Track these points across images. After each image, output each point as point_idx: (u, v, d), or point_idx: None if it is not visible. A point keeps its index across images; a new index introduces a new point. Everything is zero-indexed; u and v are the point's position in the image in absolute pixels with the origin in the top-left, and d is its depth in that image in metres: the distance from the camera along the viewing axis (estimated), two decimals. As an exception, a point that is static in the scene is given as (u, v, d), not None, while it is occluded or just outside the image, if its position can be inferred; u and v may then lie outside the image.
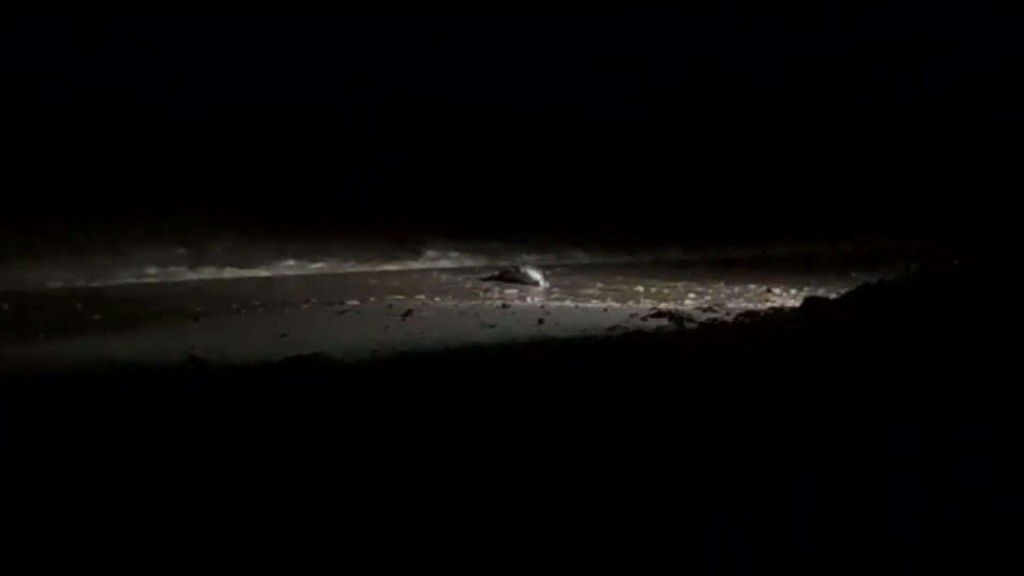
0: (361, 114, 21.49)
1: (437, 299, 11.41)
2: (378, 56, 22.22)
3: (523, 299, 11.58)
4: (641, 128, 21.24)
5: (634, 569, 3.36)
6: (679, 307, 10.50)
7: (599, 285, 12.91)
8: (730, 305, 10.74)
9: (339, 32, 22.12)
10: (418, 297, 11.48)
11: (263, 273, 13.25)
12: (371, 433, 5.13)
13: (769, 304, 10.78)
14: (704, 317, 9.66)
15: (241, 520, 3.85)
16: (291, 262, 14.12)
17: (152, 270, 13.11)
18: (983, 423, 4.63)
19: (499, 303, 11.04)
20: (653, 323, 9.26)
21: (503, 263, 14.40)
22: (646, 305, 10.87)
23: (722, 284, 13.04)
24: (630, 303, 11.28)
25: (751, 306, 10.71)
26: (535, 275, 12.97)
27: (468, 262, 14.99)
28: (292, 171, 20.33)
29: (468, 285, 12.73)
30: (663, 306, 10.52)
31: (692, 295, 12.04)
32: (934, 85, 21.13)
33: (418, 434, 5.06)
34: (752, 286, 12.83)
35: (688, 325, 9.11)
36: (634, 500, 3.94)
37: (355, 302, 10.98)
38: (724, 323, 9.18)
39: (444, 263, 14.93)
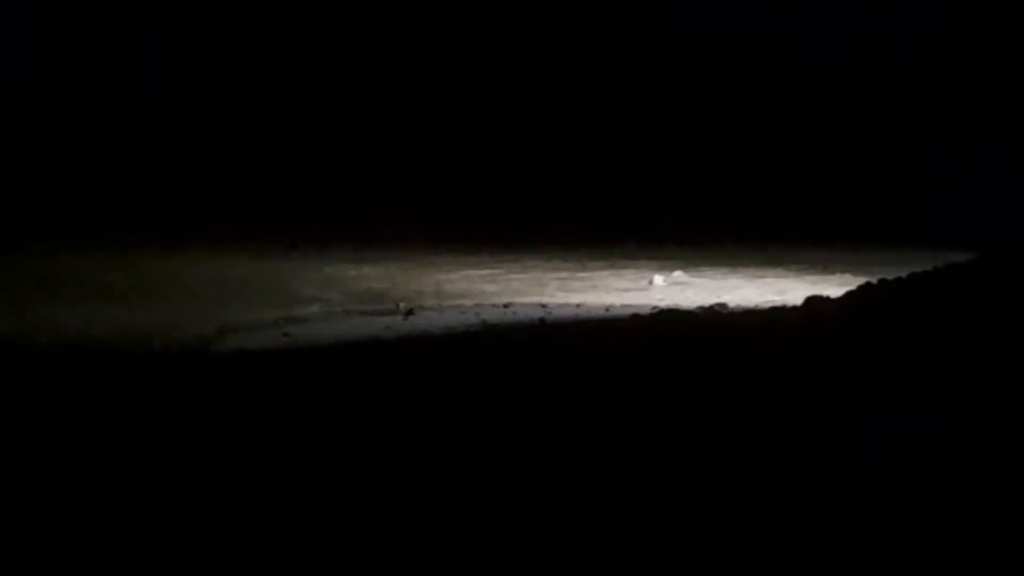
0: (362, 114, 21.51)
1: (438, 299, 11.41)
2: (378, 56, 22.24)
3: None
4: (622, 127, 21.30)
5: (633, 569, 3.37)
6: (680, 305, 10.49)
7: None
8: (731, 304, 10.73)
9: (339, 32, 22.14)
10: (421, 296, 11.48)
11: (269, 272, 13.23)
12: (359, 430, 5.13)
13: (770, 303, 10.76)
14: (705, 315, 9.65)
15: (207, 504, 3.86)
16: (298, 262, 14.11)
17: (160, 268, 13.12)
18: (983, 422, 4.64)
19: (502, 303, 11.03)
20: (654, 323, 9.25)
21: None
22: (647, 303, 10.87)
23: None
24: (631, 301, 11.26)
25: (751, 305, 10.70)
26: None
27: (472, 258, 14.95)
28: (293, 171, 20.35)
29: (471, 285, 12.69)
30: (664, 304, 10.51)
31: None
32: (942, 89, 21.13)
33: (412, 434, 5.05)
34: (752, 283, 12.82)
35: (689, 324, 9.11)
36: (633, 498, 3.95)
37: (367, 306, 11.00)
38: (725, 321, 9.18)
39: (447, 259, 14.91)
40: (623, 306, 10.80)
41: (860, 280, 9.28)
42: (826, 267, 14.02)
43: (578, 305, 11.00)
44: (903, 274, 8.30)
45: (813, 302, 8.82)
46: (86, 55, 20.99)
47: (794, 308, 9.40)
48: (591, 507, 3.87)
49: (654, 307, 10.33)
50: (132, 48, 21.29)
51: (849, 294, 8.47)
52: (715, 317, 9.58)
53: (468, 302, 11.16)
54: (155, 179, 19.46)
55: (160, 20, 21.50)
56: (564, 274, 13.49)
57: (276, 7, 22.10)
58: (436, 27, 22.28)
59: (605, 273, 13.34)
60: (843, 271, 13.29)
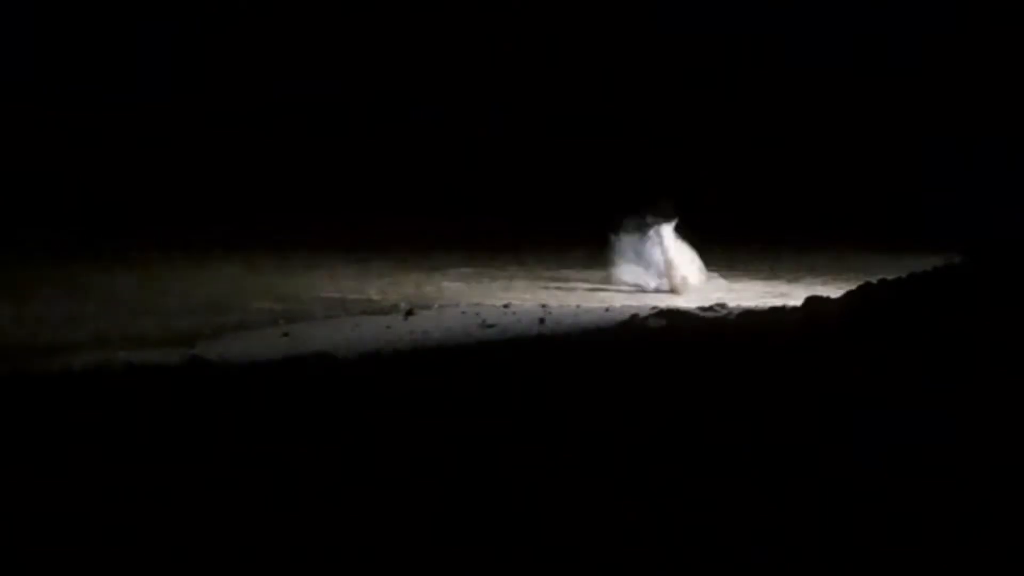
0: (362, 114, 21.52)
1: (438, 299, 11.42)
2: (378, 56, 22.25)
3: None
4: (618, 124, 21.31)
5: (633, 568, 3.37)
6: (679, 306, 10.49)
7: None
8: (731, 304, 10.72)
9: (339, 32, 22.15)
10: (421, 296, 11.49)
11: (268, 272, 13.24)
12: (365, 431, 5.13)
13: (769, 304, 10.76)
14: (705, 316, 9.65)
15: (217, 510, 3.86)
16: (299, 263, 14.12)
17: (160, 268, 13.12)
18: (983, 422, 4.64)
19: (501, 303, 11.03)
20: (654, 323, 9.25)
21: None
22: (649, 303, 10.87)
23: (723, 282, 13.01)
24: (632, 301, 11.27)
25: (751, 305, 10.70)
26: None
27: (471, 258, 14.96)
28: (293, 170, 20.36)
29: (471, 285, 12.71)
30: (664, 306, 10.51)
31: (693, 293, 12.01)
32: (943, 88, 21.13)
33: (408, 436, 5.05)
34: (752, 284, 12.82)
35: (689, 324, 9.11)
36: (633, 498, 3.95)
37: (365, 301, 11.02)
38: (725, 322, 9.18)
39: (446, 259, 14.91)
40: (623, 306, 10.80)
41: (859, 280, 9.28)
42: (825, 267, 14.03)
43: (578, 305, 11.00)
44: (902, 274, 8.30)
45: (813, 302, 8.82)
46: (86, 55, 21.00)
47: (794, 308, 9.40)
48: (591, 507, 3.86)
49: (654, 307, 10.33)
50: (132, 48, 21.30)
51: (849, 294, 8.47)
52: (714, 317, 9.58)
53: (468, 302, 11.16)
54: (155, 179, 19.47)
55: (160, 20, 21.51)
56: (563, 274, 13.51)
57: (276, 7, 22.12)
58: (436, 27, 22.29)
59: (605, 273, 13.33)
60: (842, 272, 13.30)
